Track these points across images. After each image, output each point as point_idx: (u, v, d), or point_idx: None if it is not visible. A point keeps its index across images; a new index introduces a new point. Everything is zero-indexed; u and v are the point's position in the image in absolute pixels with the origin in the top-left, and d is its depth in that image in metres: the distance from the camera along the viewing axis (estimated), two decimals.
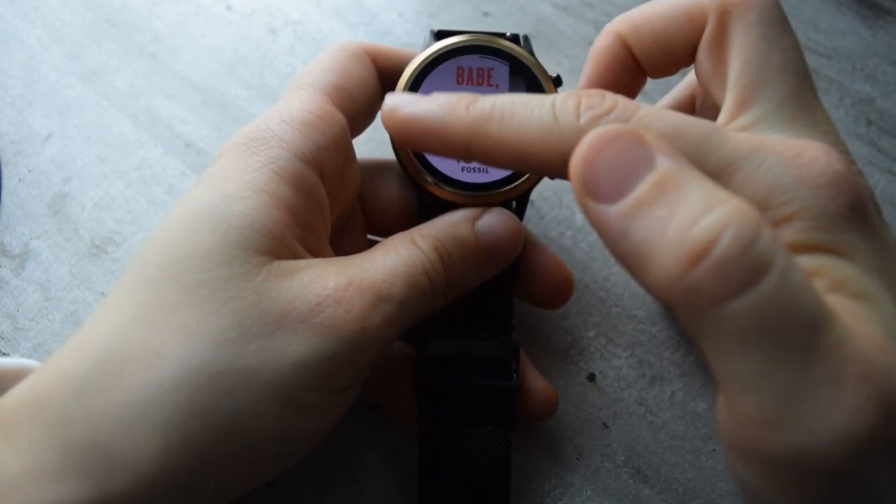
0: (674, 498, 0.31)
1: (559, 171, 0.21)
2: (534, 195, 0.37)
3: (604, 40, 0.28)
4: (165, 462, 0.21)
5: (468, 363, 0.28)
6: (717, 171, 0.20)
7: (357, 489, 0.30)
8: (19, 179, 0.36)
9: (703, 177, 0.18)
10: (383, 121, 0.25)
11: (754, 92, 0.23)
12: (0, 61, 0.40)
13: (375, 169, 0.31)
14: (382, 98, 0.30)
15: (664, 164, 0.18)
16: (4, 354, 0.32)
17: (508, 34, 0.30)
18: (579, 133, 0.21)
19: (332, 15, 0.42)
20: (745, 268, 0.16)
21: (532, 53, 0.29)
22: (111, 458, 0.21)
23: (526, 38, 0.30)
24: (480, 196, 0.28)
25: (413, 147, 0.26)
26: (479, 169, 0.28)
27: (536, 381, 0.29)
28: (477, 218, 0.27)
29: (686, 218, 0.17)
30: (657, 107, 0.29)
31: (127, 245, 0.35)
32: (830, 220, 0.20)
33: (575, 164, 0.19)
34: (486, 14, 0.42)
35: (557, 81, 0.29)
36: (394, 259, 0.25)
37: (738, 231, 0.16)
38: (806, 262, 0.20)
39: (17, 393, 0.22)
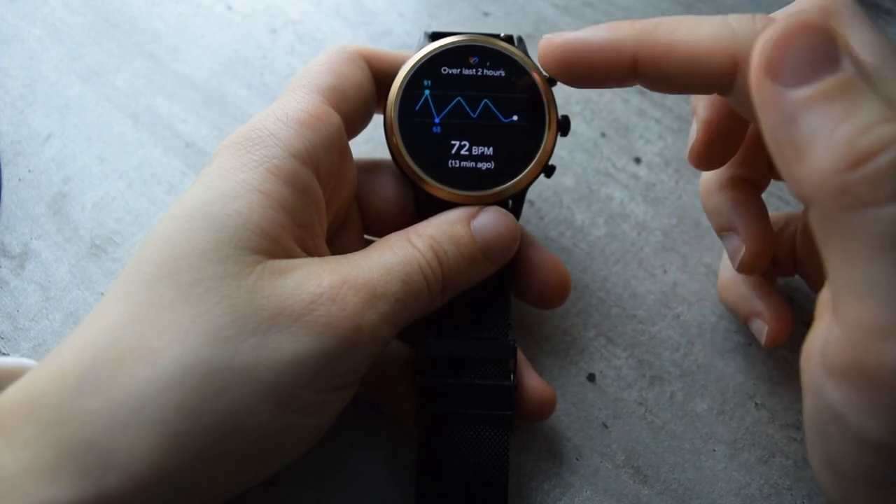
0: (673, 498, 0.30)
1: (726, 75, 0.21)
2: (534, 195, 0.37)
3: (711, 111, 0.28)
4: (161, 460, 0.21)
5: (466, 363, 0.28)
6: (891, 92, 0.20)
7: (356, 489, 0.30)
8: (19, 179, 0.36)
9: (878, 93, 0.18)
10: (541, 55, 0.25)
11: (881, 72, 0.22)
12: (0, 61, 0.40)
13: (372, 168, 0.31)
14: (377, 101, 0.30)
15: (850, 67, 0.18)
16: (4, 354, 0.32)
17: (503, 35, 0.30)
18: (754, 34, 0.21)
19: (332, 15, 0.42)
20: None
21: (527, 54, 0.29)
22: (107, 456, 0.21)
23: (520, 38, 0.30)
24: (476, 195, 0.28)
25: (576, 72, 0.25)
26: (471, 158, 0.28)
27: (534, 381, 0.29)
28: (473, 216, 0.27)
29: (860, 123, 0.17)
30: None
31: (127, 245, 0.35)
32: None
33: (763, 41, 0.19)
34: (486, 14, 0.42)
35: (552, 82, 0.29)
36: (389, 258, 0.25)
37: None
38: None
39: (13, 391, 0.22)
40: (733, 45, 0.21)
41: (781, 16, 0.25)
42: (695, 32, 0.22)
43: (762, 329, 0.30)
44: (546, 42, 0.25)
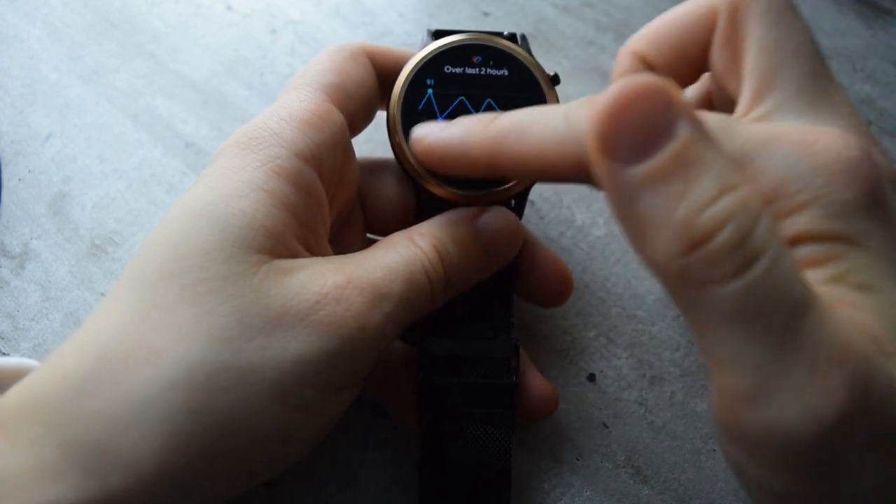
0: (674, 498, 0.31)
1: (579, 176, 0.21)
2: (534, 195, 0.37)
3: (622, 63, 0.28)
4: (165, 460, 0.21)
5: (468, 362, 0.28)
6: (740, 156, 0.21)
7: (357, 489, 0.30)
8: (19, 179, 0.36)
9: (718, 151, 0.18)
10: (414, 151, 0.26)
11: (770, 80, 0.23)
12: (0, 61, 0.40)
13: (375, 168, 0.31)
14: (381, 98, 0.30)
15: (685, 132, 0.17)
16: (4, 354, 0.32)
17: (506, 33, 0.30)
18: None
19: (332, 15, 0.42)
20: (740, 257, 0.17)
21: (530, 53, 0.29)
22: (111, 456, 0.21)
23: (523, 37, 0.30)
24: (479, 195, 0.28)
25: (443, 170, 0.26)
26: None
27: (536, 381, 0.29)
28: (476, 216, 0.27)
29: (697, 202, 0.17)
30: None
31: (127, 245, 0.35)
32: (844, 208, 0.20)
33: (598, 115, 0.17)
34: (486, 14, 0.42)
35: (555, 80, 0.29)
36: (393, 257, 0.25)
37: (740, 222, 0.17)
38: (814, 250, 0.20)
39: (16, 392, 0.22)
40: (575, 150, 0.20)
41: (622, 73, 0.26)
42: (540, 141, 0.22)
43: None
44: (416, 142, 0.26)
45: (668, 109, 0.17)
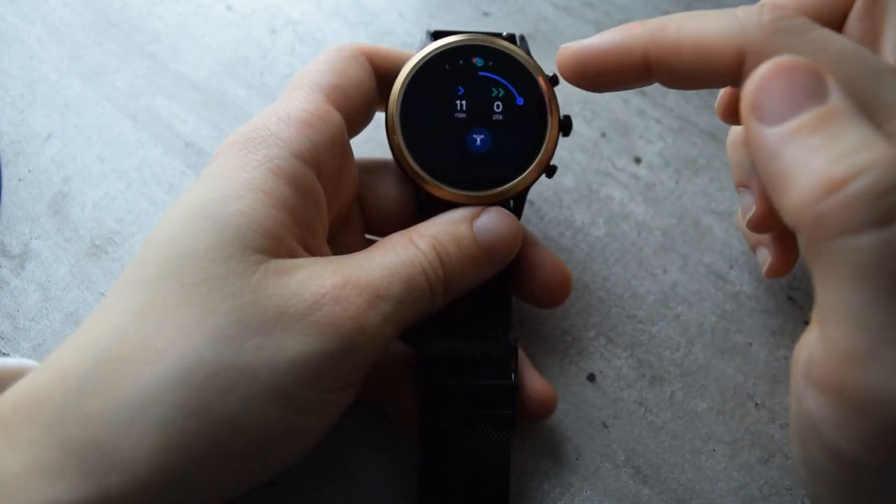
0: (674, 498, 0.31)
1: (734, 68, 0.21)
2: (534, 195, 0.37)
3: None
4: (164, 460, 0.21)
5: (467, 363, 0.28)
6: (886, 105, 0.20)
7: (357, 489, 0.30)
8: (19, 179, 0.36)
9: (865, 122, 0.18)
10: (559, 64, 0.26)
11: None
12: (0, 61, 0.40)
13: (373, 168, 0.31)
14: (379, 99, 0.30)
15: (834, 100, 0.18)
16: (4, 354, 0.32)
17: (505, 34, 0.30)
18: (761, 27, 0.21)
19: (332, 15, 0.42)
20: (876, 210, 0.17)
21: (529, 53, 0.29)
22: (110, 456, 0.21)
23: (522, 37, 0.30)
24: (478, 195, 0.28)
25: (593, 78, 0.25)
26: (478, 146, 0.28)
27: (535, 381, 0.29)
28: (475, 217, 0.27)
29: (836, 151, 0.18)
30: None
31: (127, 245, 0.35)
32: None
33: (749, 84, 0.19)
34: (486, 14, 0.42)
35: (554, 81, 0.29)
36: (392, 258, 0.25)
37: (879, 175, 0.17)
38: None
39: (15, 392, 0.22)
40: (740, 38, 0.22)
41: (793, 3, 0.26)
42: (702, 28, 0.22)
43: (766, 258, 0.31)
44: (562, 51, 0.26)
45: (818, 82, 0.19)
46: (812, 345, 0.19)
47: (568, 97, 0.39)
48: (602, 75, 0.25)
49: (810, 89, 0.19)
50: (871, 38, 0.24)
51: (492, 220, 0.27)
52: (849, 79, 0.19)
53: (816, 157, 0.18)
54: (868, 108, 0.19)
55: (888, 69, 0.21)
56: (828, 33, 0.21)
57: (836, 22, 0.25)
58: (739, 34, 0.21)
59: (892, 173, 0.17)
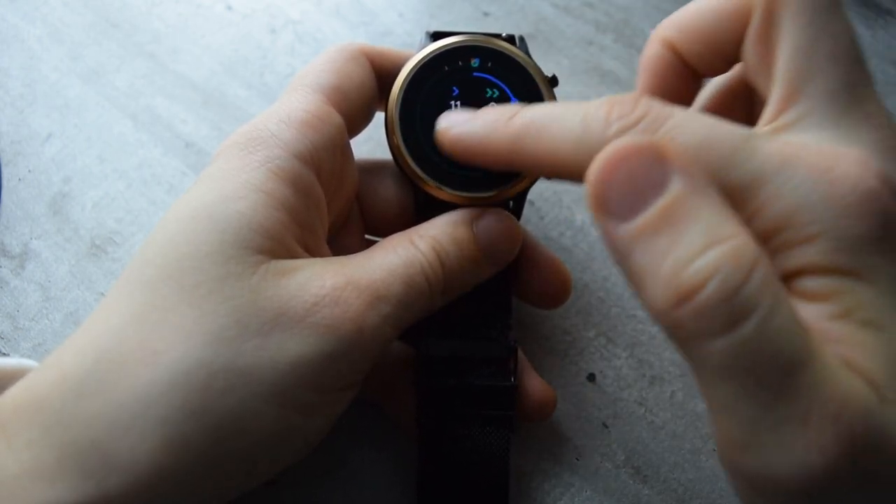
0: (674, 498, 0.31)
1: None
2: (534, 195, 0.37)
3: (652, 48, 0.27)
4: (163, 461, 0.21)
5: (467, 363, 0.28)
6: (744, 185, 0.20)
7: (357, 488, 0.30)
8: (19, 179, 0.36)
9: (714, 203, 0.18)
10: (439, 145, 0.26)
11: (801, 85, 0.22)
12: (0, 61, 0.40)
13: (373, 169, 0.31)
14: (380, 99, 0.30)
15: (676, 187, 0.18)
16: (4, 354, 0.32)
17: (504, 35, 0.30)
18: (606, 144, 0.20)
19: (332, 15, 0.42)
20: (727, 313, 0.17)
21: (528, 54, 0.29)
22: (109, 457, 0.21)
23: (522, 39, 0.30)
24: (478, 197, 0.28)
25: (467, 162, 0.26)
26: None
27: (534, 382, 0.29)
28: (475, 218, 0.27)
29: (681, 257, 0.17)
30: (694, 108, 0.28)
31: (127, 245, 0.35)
32: (853, 242, 0.19)
33: (590, 176, 0.18)
34: (486, 14, 0.42)
35: (553, 82, 0.29)
36: (392, 259, 0.25)
37: (727, 277, 0.17)
38: (820, 284, 0.19)
39: (14, 393, 0.22)
40: (589, 157, 0.19)
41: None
42: (556, 142, 0.22)
43: None
44: (440, 133, 0.26)
45: (659, 166, 0.18)
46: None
47: (568, 97, 0.39)
48: (482, 164, 0.25)
49: (651, 177, 0.18)
50: (766, 65, 0.23)
51: (491, 222, 0.27)
52: (705, 165, 0.19)
53: (664, 262, 0.17)
54: (728, 190, 0.19)
55: (743, 142, 0.20)
56: (676, 123, 0.20)
57: (732, 47, 0.25)
58: (587, 155, 0.20)
59: (739, 270, 0.17)
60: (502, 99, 0.28)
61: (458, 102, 0.28)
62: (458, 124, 0.25)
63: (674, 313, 0.17)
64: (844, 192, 0.19)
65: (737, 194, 0.19)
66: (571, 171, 0.21)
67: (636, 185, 0.18)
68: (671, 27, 0.27)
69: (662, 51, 0.27)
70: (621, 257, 0.18)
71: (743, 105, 0.28)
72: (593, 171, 0.18)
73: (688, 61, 0.27)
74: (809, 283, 0.19)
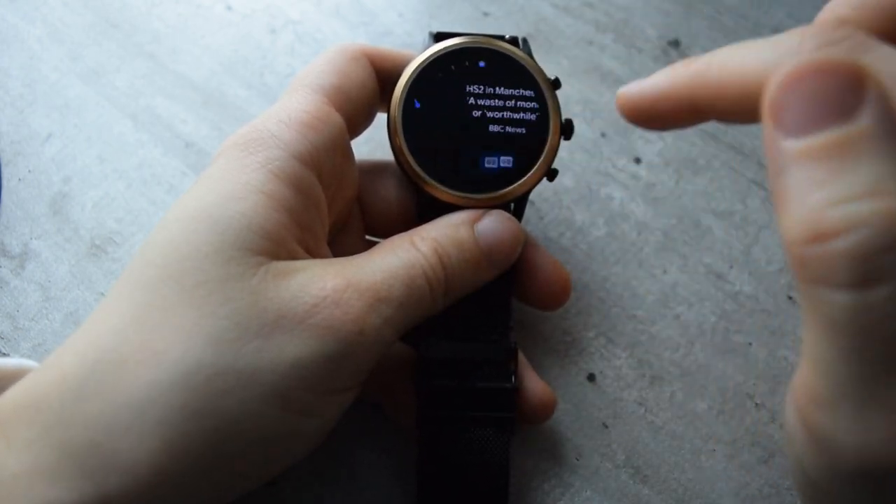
0: (674, 498, 0.31)
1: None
2: (534, 195, 0.37)
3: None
4: (163, 462, 0.21)
5: (467, 365, 0.28)
6: None
7: (357, 489, 0.30)
8: (19, 179, 0.36)
9: (893, 152, 0.16)
10: (618, 109, 0.24)
11: None
12: (0, 61, 0.40)
13: (374, 170, 0.31)
14: (381, 100, 0.30)
15: (865, 121, 0.16)
16: (4, 354, 0.32)
17: (507, 36, 0.30)
18: (809, 50, 0.18)
19: (332, 15, 0.42)
20: (858, 271, 0.15)
21: (531, 56, 0.29)
22: (109, 458, 0.21)
23: (525, 40, 0.30)
24: (479, 198, 0.28)
25: (650, 122, 0.24)
26: (481, 163, 0.28)
27: (535, 384, 0.29)
28: (477, 220, 0.27)
29: (835, 194, 0.16)
30: None
31: (127, 245, 0.35)
32: None
33: (774, 78, 0.17)
34: (486, 14, 0.42)
35: (556, 84, 0.29)
36: (393, 261, 0.25)
37: (872, 234, 0.15)
38: None
39: (14, 393, 0.22)
40: None
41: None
42: (743, 67, 0.20)
43: None
44: (619, 97, 0.24)
45: (853, 92, 0.16)
46: (796, 376, 0.19)
47: (568, 97, 0.39)
48: (659, 120, 0.24)
49: (839, 102, 0.16)
50: None
51: (493, 224, 0.27)
52: None
53: (816, 193, 0.16)
54: None
55: None
56: (886, 55, 0.18)
57: None
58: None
59: (888, 232, 0.15)
60: (510, 101, 0.28)
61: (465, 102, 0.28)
62: (634, 84, 0.24)
63: (803, 249, 0.16)
64: None
65: None
66: (759, 95, 0.18)
67: (821, 103, 0.16)
68: (844, 3, 0.22)
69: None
70: (775, 172, 0.17)
71: None
72: (779, 74, 0.17)
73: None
74: None
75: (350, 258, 0.25)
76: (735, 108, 0.20)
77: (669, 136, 0.39)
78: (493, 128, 0.28)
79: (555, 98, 0.29)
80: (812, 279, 0.16)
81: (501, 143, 0.28)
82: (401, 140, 0.28)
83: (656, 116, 0.23)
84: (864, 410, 0.16)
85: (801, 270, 0.16)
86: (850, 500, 0.18)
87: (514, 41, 0.30)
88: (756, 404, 0.32)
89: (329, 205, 0.27)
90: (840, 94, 0.16)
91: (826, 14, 0.22)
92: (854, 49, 0.18)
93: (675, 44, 0.41)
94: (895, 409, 0.16)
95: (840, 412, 0.17)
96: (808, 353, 0.18)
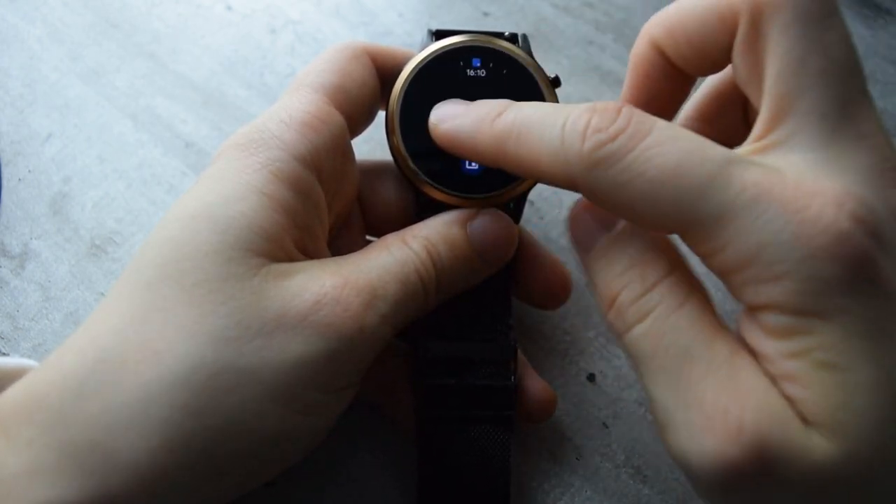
0: (674, 498, 0.31)
1: (570, 188, 0.22)
2: (534, 195, 0.37)
3: (640, 47, 0.26)
4: (165, 460, 0.21)
5: (466, 363, 0.28)
6: (714, 217, 0.20)
7: (357, 489, 0.30)
8: (19, 179, 0.36)
9: (631, 251, 0.22)
10: (432, 133, 0.26)
11: (790, 103, 0.21)
12: (0, 61, 0.40)
13: (374, 170, 0.31)
14: (382, 98, 0.30)
15: (619, 226, 0.23)
16: (4, 354, 0.32)
17: (507, 34, 0.30)
18: (581, 159, 0.21)
19: (332, 15, 0.42)
20: (634, 312, 0.22)
21: (530, 53, 0.29)
22: (110, 456, 0.21)
23: (524, 37, 0.30)
24: (477, 198, 0.28)
25: (459, 156, 0.26)
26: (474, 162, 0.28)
27: (534, 382, 0.29)
28: (470, 219, 0.27)
29: (611, 273, 0.23)
30: (688, 107, 0.29)
31: (127, 245, 0.35)
32: (821, 284, 0.19)
33: (568, 219, 0.25)
34: (486, 14, 0.42)
35: (556, 82, 0.29)
36: (386, 259, 0.25)
37: (634, 287, 0.22)
38: (781, 322, 0.19)
39: (14, 392, 0.22)
40: (566, 169, 0.22)
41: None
42: (536, 149, 0.22)
43: None
44: (431, 126, 0.26)
45: (601, 220, 0.24)
46: None
47: (568, 97, 0.39)
48: (470, 160, 0.27)
49: (603, 220, 0.23)
50: (756, 76, 0.22)
51: (486, 222, 0.27)
52: (670, 202, 0.20)
53: (602, 278, 0.23)
54: (698, 220, 0.20)
55: (719, 169, 0.20)
56: (654, 143, 0.20)
57: (721, 54, 0.24)
58: (565, 170, 0.22)
59: (644, 284, 0.22)
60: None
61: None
62: (448, 118, 0.25)
63: (608, 315, 0.23)
64: (814, 233, 0.19)
65: (707, 225, 0.20)
66: (550, 180, 0.23)
67: (593, 226, 0.24)
68: (658, 27, 0.26)
69: (649, 51, 0.26)
70: (588, 277, 0.24)
71: (739, 105, 0.28)
72: (570, 214, 0.25)
73: (675, 63, 0.26)
74: (772, 320, 0.20)
75: (345, 257, 0.25)
76: (529, 177, 0.26)
77: None
78: None
79: (554, 96, 0.29)
80: (617, 335, 0.23)
81: None
82: (398, 139, 0.28)
83: (465, 157, 0.27)
84: (680, 420, 0.20)
85: (613, 331, 0.23)
86: None
87: (513, 38, 0.29)
88: None
89: (329, 205, 0.27)
90: (603, 216, 0.24)
91: (644, 32, 0.26)
92: (630, 141, 0.21)
93: None
94: (702, 405, 0.20)
95: (671, 429, 0.21)
96: (645, 390, 0.22)
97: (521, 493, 0.30)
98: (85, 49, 0.40)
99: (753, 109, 0.23)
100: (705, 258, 0.21)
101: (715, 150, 0.20)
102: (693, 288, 0.22)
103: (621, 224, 0.23)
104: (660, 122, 0.21)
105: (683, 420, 0.20)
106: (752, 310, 0.20)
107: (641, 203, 0.20)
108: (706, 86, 0.28)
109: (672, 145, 0.20)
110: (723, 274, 0.21)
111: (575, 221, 0.24)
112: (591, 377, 0.33)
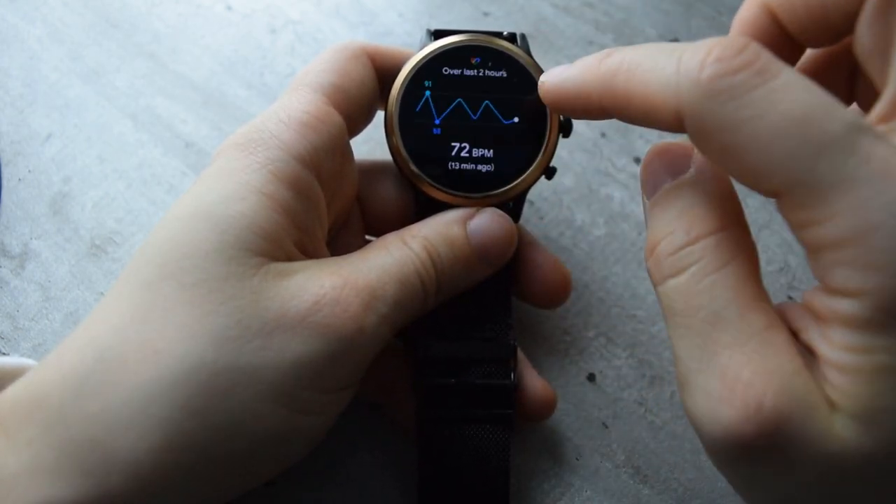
0: (673, 498, 0.31)
1: (676, 125, 0.20)
2: (533, 195, 0.37)
3: (749, 10, 0.24)
4: (164, 460, 0.21)
5: (466, 363, 0.28)
6: (828, 182, 0.18)
7: (357, 489, 0.30)
8: (19, 179, 0.36)
9: (704, 189, 0.21)
10: (543, 98, 0.25)
11: None
12: (0, 61, 0.40)
13: (374, 170, 0.31)
14: (381, 98, 0.30)
15: (687, 175, 0.22)
16: (4, 354, 0.32)
17: (505, 33, 0.30)
18: (697, 87, 0.19)
19: (332, 15, 0.42)
20: (670, 264, 0.21)
21: (529, 53, 0.29)
22: (110, 455, 0.21)
23: (523, 36, 0.30)
24: (476, 197, 0.28)
25: (567, 113, 0.26)
26: (472, 160, 0.28)
27: (534, 381, 0.29)
28: (469, 218, 0.27)
29: (662, 221, 0.22)
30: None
31: (127, 245, 0.35)
32: None
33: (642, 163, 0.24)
34: (486, 14, 0.42)
35: None
36: (385, 259, 0.25)
37: (672, 240, 0.21)
38: (865, 315, 0.18)
39: (14, 391, 0.22)
40: (675, 101, 0.20)
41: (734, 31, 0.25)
42: (647, 82, 0.21)
43: None
44: (541, 85, 0.25)
45: (684, 159, 0.22)
46: None
47: None
48: (577, 114, 0.25)
49: (674, 167, 0.22)
50: (883, 50, 0.20)
51: (485, 221, 0.27)
52: (785, 154, 0.18)
53: (653, 224, 0.22)
54: (809, 179, 0.18)
55: (846, 132, 0.18)
56: (781, 86, 0.18)
57: (843, 20, 0.21)
58: (675, 97, 0.19)
59: (687, 237, 0.21)
60: (507, 99, 0.28)
61: (461, 99, 0.28)
62: (553, 75, 0.25)
63: (648, 261, 0.22)
64: None
65: (818, 189, 0.18)
66: (661, 114, 0.20)
67: (661, 172, 0.23)
68: None
69: (760, 15, 0.24)
70: (646, 220, 0.23)
71: (844, 77, 0.25)
72: (645, 158, 0.24)
73: (788, 30, 0.23)
74: (853, 308, 0.18)
75: (344, 257, 0.25)
76: (638, 119, 0.23)
77: (669, 136, 0.39)
78: (491, 126, 0.28)
79: None
80: (654, 282, 0.22)
81: (499, 142, 0.28)
82: (397, 139, 0.28)
83: (573, 111, 0.25)
84: (700, 381, 0.20)
85: (652, 278, 0.22)
86: (733, 482, 0.21)
87: (511, 37, 0.29)
88: None
89: (328, 204, 0.27)
90: (674, 162, 0.22)
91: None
92: (754, 78, 0.18)
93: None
94: (724, 374, 0.19)
95: (690, 388, 0.20)
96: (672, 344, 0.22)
97: (520, 492, 0.30)
98: (85, 49, 0.40)
99: (867, 85, 0.21)
100: (801, 227, 0.19)
101: (845, 112, 0.18)
102: (741, 250, 0.20)
103: (689, 173, 0.22)
104: (789, 68, 0.19)
105: (703, 385, 0.19)
106: (833, 292, 0.18)
107: (752, 148, 0.18)
108: (810, 50, 0.25)
109: (801, 94, 0.18)
110: (816, 248, 0.18)
111: (646, 166, 0.23)
112: (591, 377, 0.33)
